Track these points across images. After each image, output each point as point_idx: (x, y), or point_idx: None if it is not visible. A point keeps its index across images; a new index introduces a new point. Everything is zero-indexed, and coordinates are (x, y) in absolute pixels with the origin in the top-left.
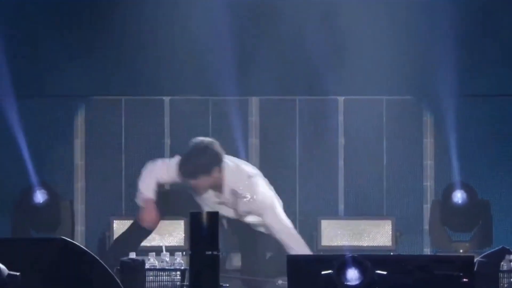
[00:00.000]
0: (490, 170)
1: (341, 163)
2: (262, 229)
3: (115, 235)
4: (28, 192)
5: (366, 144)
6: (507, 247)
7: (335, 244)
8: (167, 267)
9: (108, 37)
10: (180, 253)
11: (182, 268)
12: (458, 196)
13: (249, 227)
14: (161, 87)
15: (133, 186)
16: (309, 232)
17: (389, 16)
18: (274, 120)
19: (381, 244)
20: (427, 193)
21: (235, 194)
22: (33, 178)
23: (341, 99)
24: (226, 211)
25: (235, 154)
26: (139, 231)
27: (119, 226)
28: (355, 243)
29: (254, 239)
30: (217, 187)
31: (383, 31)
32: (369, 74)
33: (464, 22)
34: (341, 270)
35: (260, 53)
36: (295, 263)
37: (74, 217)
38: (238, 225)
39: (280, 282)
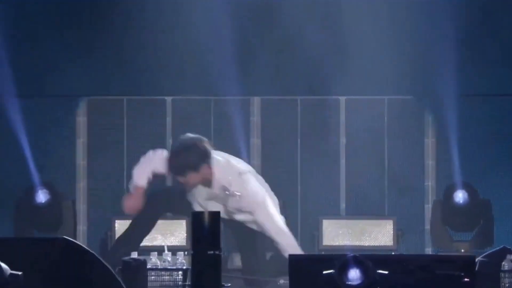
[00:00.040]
0: (491, 170)
1: (342, 162)
2: (254, 226)
3: (117, 235)
4: (30, 192)
5: (367, 144)
6: (508, 247)
7: (337, 243)
8: (169, 267)
9: (109, 37)
10: (182, 252)
11: (184, 267)
12: (460, 196)
13: (247, 227)
14: (163, 87)
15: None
16: (311, 232)
17: (390, 17)
18: (275, 120)
19: (382, 243)
20: (428, 193)
21: (225, 190)
22: (35, 178)
23: (342, 99)
24: (216, 207)
25: (237, 154)
26: (139, 229)
27: (121, 226)
28: (357, 242)
29: (253, 239)
30: (207, 183)
31: (384, 31)
32: (371, 74)
33: (465, 22)
34: (342, 269)
35: (262, 53)
36: (296, 262)
37: (76, 217)
38: (235, 225)
39: (281, 281)
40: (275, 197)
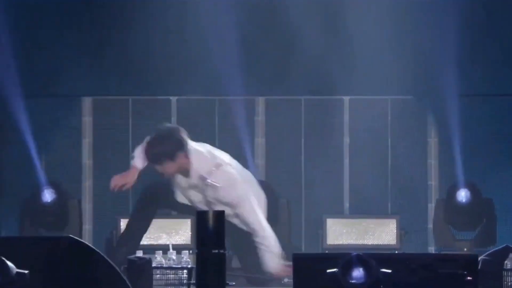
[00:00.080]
0: (494, 169)
1: (346, 162)
2: (236, 221)
3: None
4: (36, 191)
5: (371, 143)
6: (511, 246)
7: (341, 242)
8: (174, 266)
9: (115, 38)
10: (187, 251)
11: (189, 266)
12: (462, 195)
13: (239, 229)
14: (168, 87)
15: (140, 186)
16: (315, 231)
17: (393, 18)
18: (279, 119)
19: (386, 242)
20: (431, 192)
21: (203, 180)
22: (41, 177)
23: (346, 99)
24: (196, 196)
25: (241, 153)
26: (138, 224)
27: None
28: (360, 241)
29: (247, 240)
30: (185, 172)
31: (388, 32)
32: (374, 75)
33: (466, 23)
34: (346, 268)
35: (266, 53)
36: (300, 261)
37: (82, 216)
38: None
39: (286, 279)
40: (261, 193)
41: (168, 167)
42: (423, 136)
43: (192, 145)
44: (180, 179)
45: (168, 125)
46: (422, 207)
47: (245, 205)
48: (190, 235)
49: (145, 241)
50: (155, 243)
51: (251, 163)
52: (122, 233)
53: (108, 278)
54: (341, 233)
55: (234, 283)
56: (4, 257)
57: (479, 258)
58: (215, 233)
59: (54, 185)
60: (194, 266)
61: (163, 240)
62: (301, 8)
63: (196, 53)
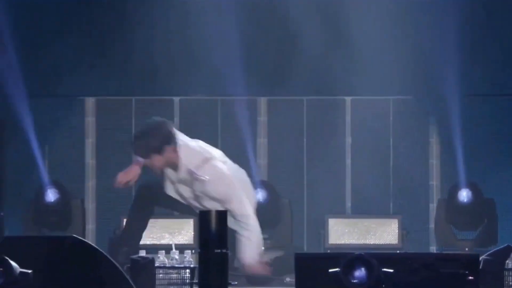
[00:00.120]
0: (495, 169)
1: (348, 162)
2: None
3: None
4: (40, 191)
5: (373, 143)
6: None
7: (342, 242)
8: (176, 265)
9: (118, 38)
10: (190, 251)
11: (192, 266)
12: (464, 195)
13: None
14: (170, 88)
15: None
16: (317, 231)
17: (395, 19)
18: (282, 120)
19: (387, 242)
20: (432, 192)
21: (191, 174)
22: (45, 177)
23: (348, 99)
24: (185, 190)
25: (243, 153)
26: (137, 223)
27: None
28: (362, 241)
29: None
30: (173, 166)
31: (389, 33)
32: (376, 75)
33: (467, 24)
34: (348, 268)
35: (269, 54)
36: (302, 261)
37: (85, 216)
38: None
39: (287, 279)
40: (252, 191)
41: (155, 161)
42: (424, 136)
43: (183, 139)
44: (170, 173)
45: (156, 118)
46: (423, 207)
47: (232, 199)
48: (192, 235)
49: (148, 240)
50: (158, 242)
51: (253, 163)
52: (121, 233)
53: (111, 277)
54: (343, 233)
55: (236, 283)
56: (7, 256)
57: (481, 258)
58: (217, 233)
59: (57, 185)
60: (197, 265)
61: (166, 240)
62: (303, 9)
63: (198, 53)
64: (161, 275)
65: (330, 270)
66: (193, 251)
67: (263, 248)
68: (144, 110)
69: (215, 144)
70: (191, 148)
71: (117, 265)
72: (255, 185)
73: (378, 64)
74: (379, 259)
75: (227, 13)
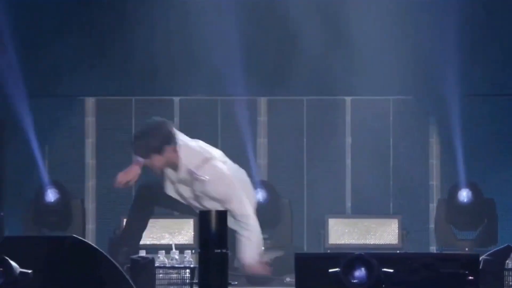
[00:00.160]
0: (495, 169)
1: (348, 162)
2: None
3: None
4: (40, 191)
5: (373, 143)
6: None
7: (342, 242)
8: (176, 265)
9: (118, 38)
10: (190, 251)
11: (192, 266)
12: (464, 195)
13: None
14: (170, 88)
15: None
16: (317, 231)
17: (395, 19)
18: (282, 120)
19: (387, 242)
20: (432, 192)
21: (191, 174)
22: (45, 177)
23: (348, 99)
24: (185, 190)
25: (243, 153)
26: (137, 223)
27: None
28: (362, 241)
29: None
30: (173, 166)
31: (389, 33)
32: (376, 75)
33: (467, 24)
34: (348, 268)
35: (268, 54)
36: (302, 261)
37: (85, 216)
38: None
39: (287, 279)
40: (252, 191)
41: (155, 161)
42: (424, 136)
43: (183, 139)
44: (170, 173)
45: (156, 118)
46: (423, 207)
47: (232, 199)
48: (192, 235)
49: (148, 240)
50: (158, 242)
51: (253, 163)
52: (121, 233)
53: (111, 277)
54: (343, 232)
55: (236, 283)
56: (7, 256)
57: (481, 258)
58: (217, 233)
59: (57, 185)
60: (197, 265)
61: (166, 240)
62: (303, 9)
63: (198, 53)
64: (161, 275)
65: (330, 270)
66: (193, 251)
67: (263, 248)
68: (144, 110)
69: (215, 144)
70: (191, 148)
71: (117, 265)
72: (255, 185)
73: (378, 64)
74: (379, 259)
75: (227, 13)
